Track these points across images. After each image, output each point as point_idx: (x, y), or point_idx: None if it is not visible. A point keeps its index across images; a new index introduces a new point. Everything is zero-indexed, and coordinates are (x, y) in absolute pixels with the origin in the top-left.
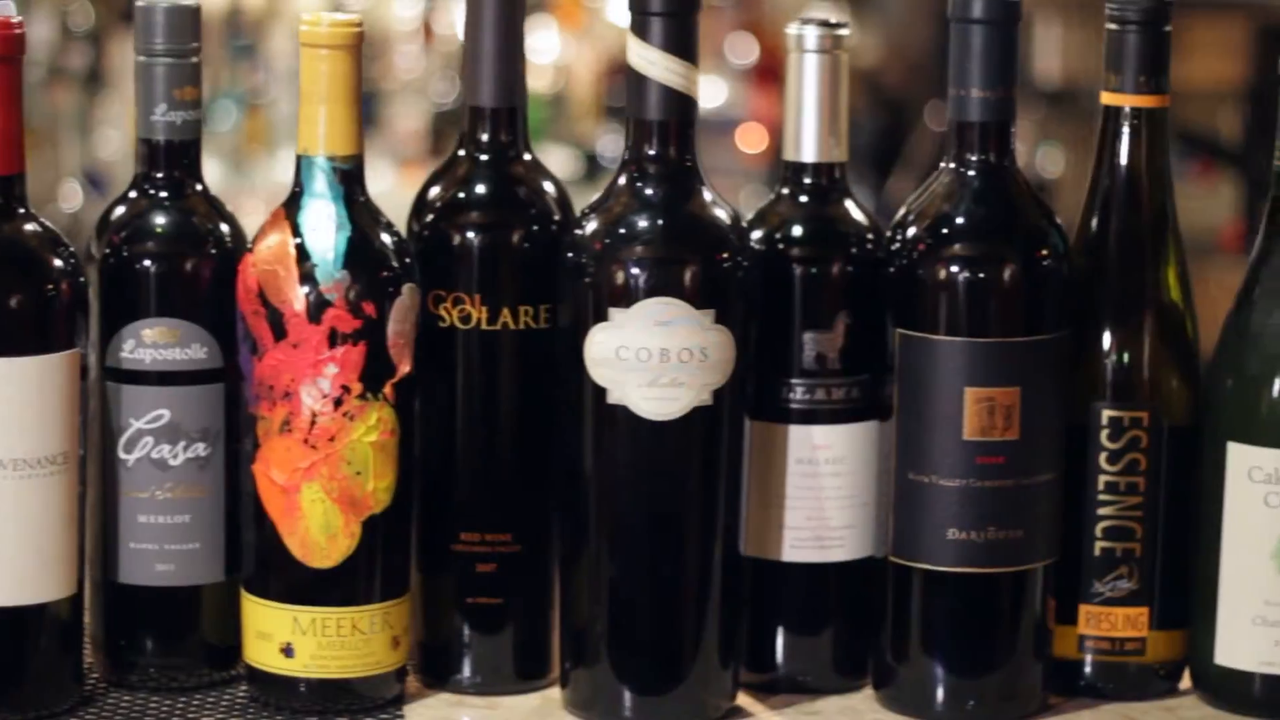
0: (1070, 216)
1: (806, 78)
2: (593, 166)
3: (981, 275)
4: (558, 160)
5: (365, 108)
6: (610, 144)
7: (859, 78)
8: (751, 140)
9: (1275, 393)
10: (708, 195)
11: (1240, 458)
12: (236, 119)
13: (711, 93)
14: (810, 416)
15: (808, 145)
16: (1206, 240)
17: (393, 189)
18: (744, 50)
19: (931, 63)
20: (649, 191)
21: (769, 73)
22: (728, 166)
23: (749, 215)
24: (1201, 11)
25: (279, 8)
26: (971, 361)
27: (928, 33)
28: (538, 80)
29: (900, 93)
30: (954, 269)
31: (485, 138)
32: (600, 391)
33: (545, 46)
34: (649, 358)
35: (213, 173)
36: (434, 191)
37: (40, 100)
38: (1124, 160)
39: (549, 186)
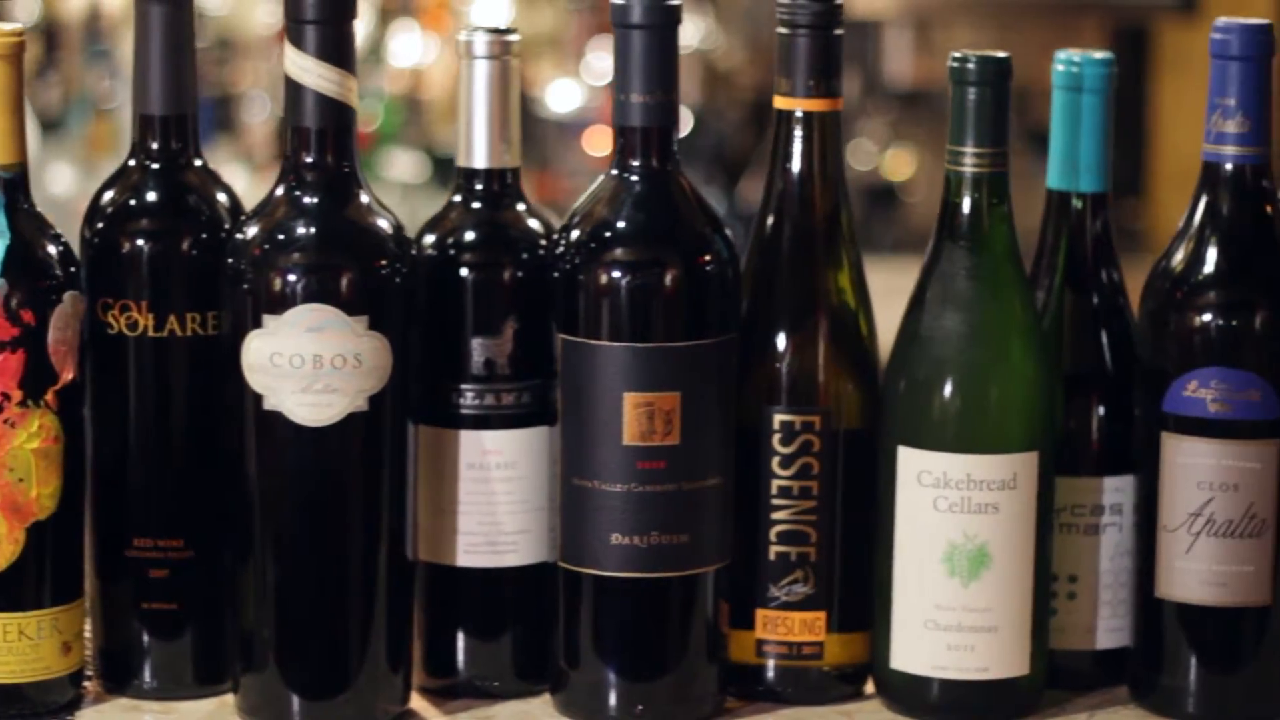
0: (917, 217)
1: (476, 84)
2: (445, 170)
3: (639, 280)
4: (408, 165)
5: (221, 111)
6: None
7: (719, 79)
8: (597, 143)
9: (944, 397)
10: (366, 202)
11: (910, 461)
12: (88, 124)
13: (566, 96)
14: (481, 422)
15: (479, 151)
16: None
17: (245, 192)
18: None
19: None
20: (306, 199)
21: None
22: (575, 168)
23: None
24: (1055, 12)
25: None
26: (629, 366)
27: None
28: (394, 84)
29: (760, 94)
30: (612, 274)
31: (156, 145)
32: (258, 398)
33: (404, 49)
34: (302, 364)
35: (64, 179)
36: (105, 198)
37: None
38: (796, 164)
39: (220, 194)
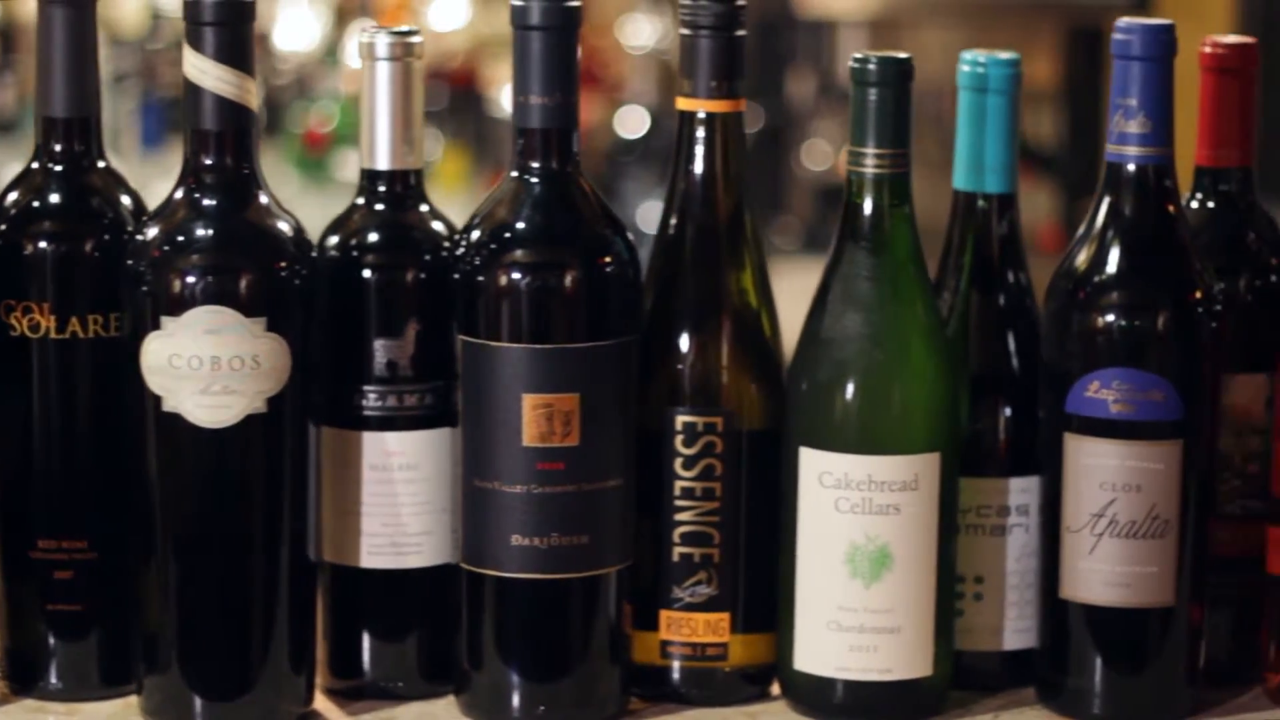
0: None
1: (378, 86)
2: None
3: (536, 281)
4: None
5: (174, 112)
6: (429, 150)
7: (667, 78)
8: None
9: (845, 398)
10: (266, 204)
11: (812, 462)
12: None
13: None
14: (384, 423)
15: (382, 153)
16: (1025, 242)
17: None
18: None
19: (749, 65)
20: (205, 201)
21: (588, 76)
22: None
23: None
24: (1012, 12)
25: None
26: (528, 368)
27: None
28: (351, 84)
29: None
30: (511, 275)
31: (59, 148)
32: (157, 399)
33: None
34: (200, 366)
35: None
36: (8, 201)
37: None
38: (699, 165)
39: (124, 197)
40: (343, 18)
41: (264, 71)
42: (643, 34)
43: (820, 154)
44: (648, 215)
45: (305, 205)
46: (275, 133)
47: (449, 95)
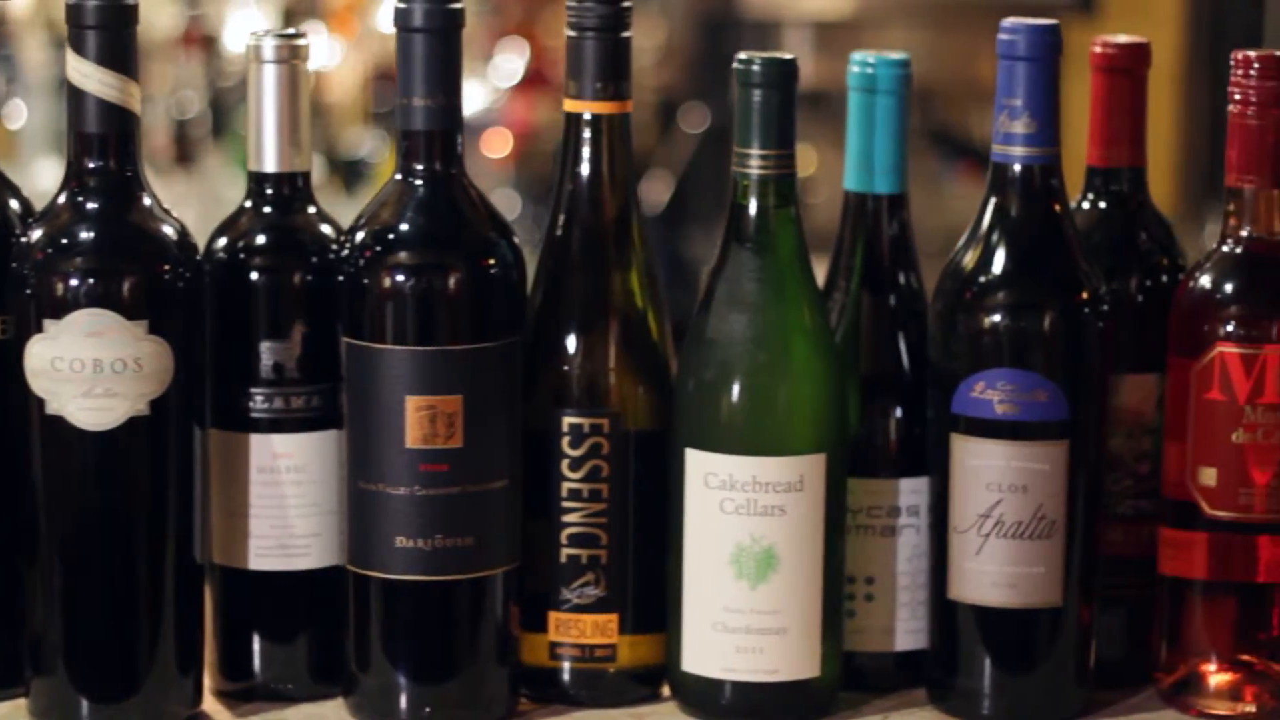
0: (819, 217)
1: (265, 88)
2: (350, 174)
3: (418, 283)
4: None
5: None
6: (374, 151)
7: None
8: (495, 145)
9: (729, 399)
10: (149, 206)
11: (698, 464)
12: None
13: (469, 99)
14: (271, 425)
15: (269, 155)
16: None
17: None
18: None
19: (698, 65)
20: (89, 204)
21: (539, 78)
22: (476, 170)
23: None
24: (954, 13)
25: (41, 17)
26: (410, 370)
27: (698, 35)
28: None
29: (667, 95)
30: (394, 277)
31: None
32: (41, 402)
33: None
34: (83, 369)
35: None
36: None
37: None
38: (586, 167)
39: (11, 200)
40: (291, 20)
41: (211, 74)
42: None
43: None
44: None
45: None
46: (222, 135)
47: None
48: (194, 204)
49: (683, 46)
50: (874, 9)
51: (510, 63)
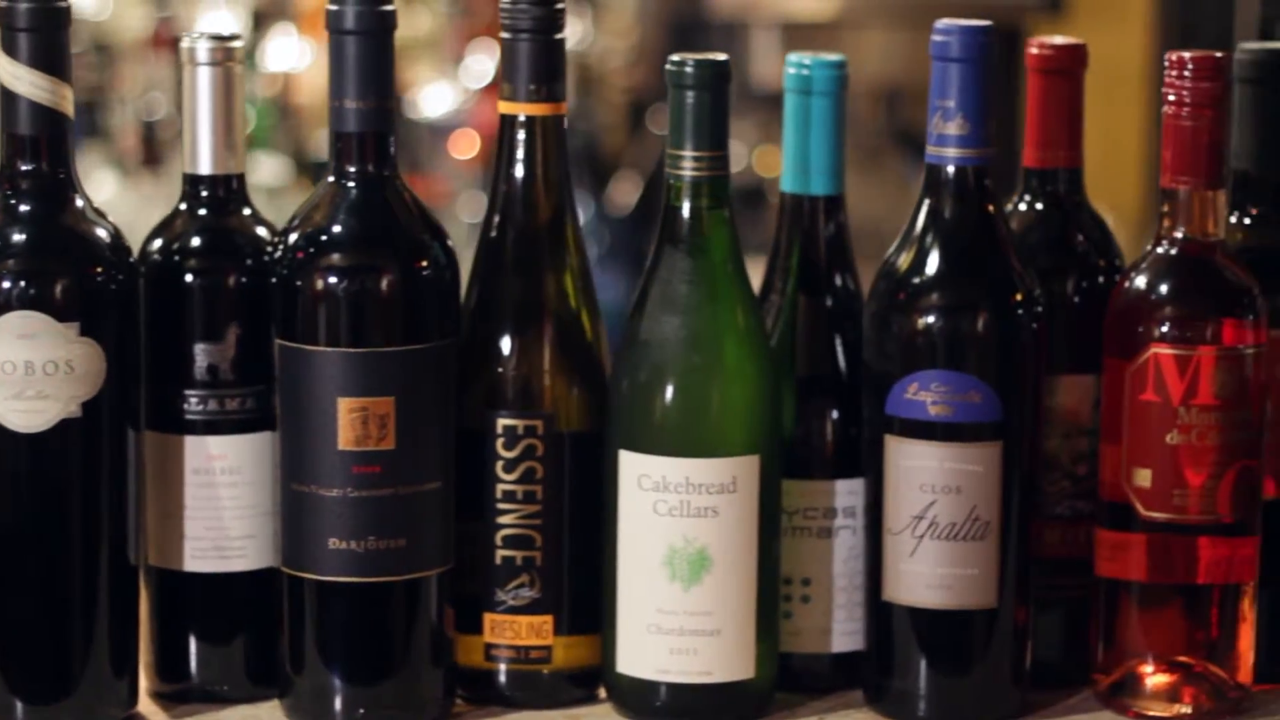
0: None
1: (200, 90)
2: (319, 175)
3: (350, 285)
4: (273, 169)
5: (91, 116)
6: None
7: (595, 80)
8: (463, 146)
9: (662, 401)
10: (81, 208)
11: (631, 465)
12: None
13: (440, 99)
14: (206, 427)
15: (204, 157)
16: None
17: (114, 197)
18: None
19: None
20: (21, 206)
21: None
22: (447, 172)
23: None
24: (923, 12)
25: None
26: (342, 371)
27: (667, 36)
28: (268, 88)
29: (638, 95)
30: (326, 279)
31: None
32: None
33: (278, 53)
34: (14, 370)
35: None
36: None
37: None
38: (520, 168)
39: None
40: (261, 22)
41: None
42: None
43: (734, 155)
44: None
45: None
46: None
47: None
48: (161, 205)
49: (653, 48)
50: (846, 10)
51: (480, 64)
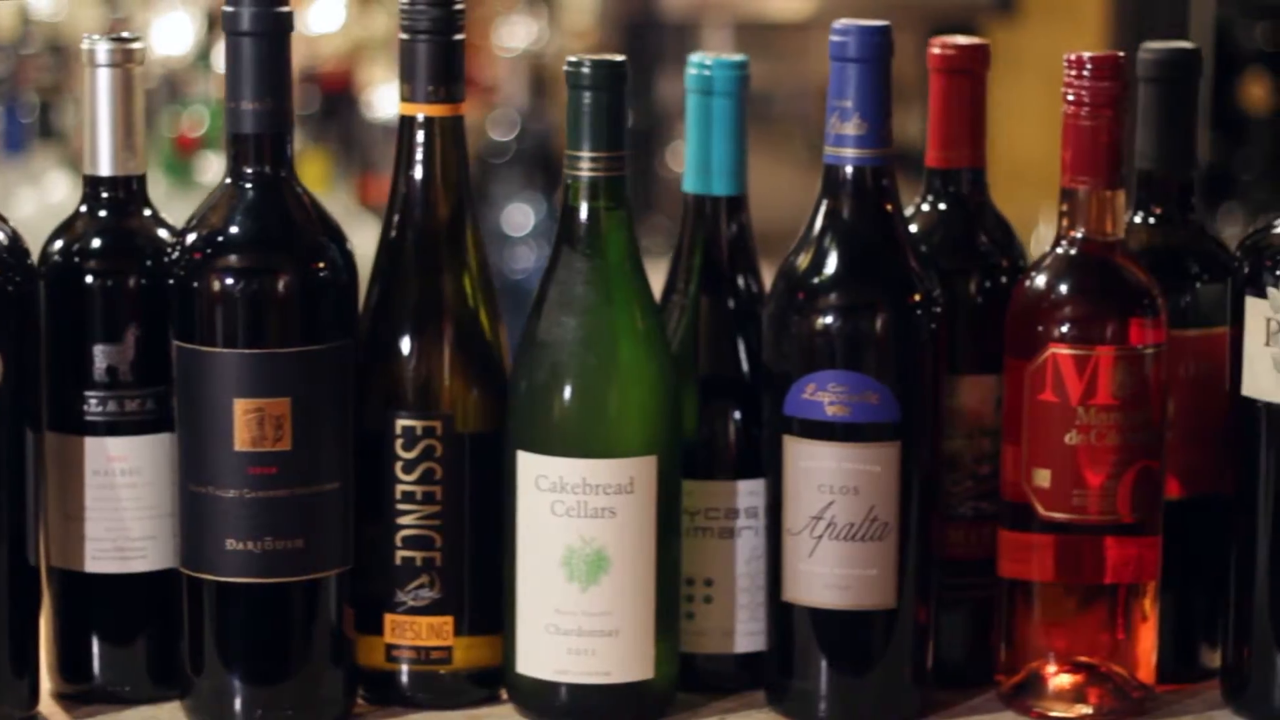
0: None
1: (99, 92)
2: None
3: (245, 286)
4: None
5: (46, 116)
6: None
7: (549, 81)
8: None
9: (560, 401)
10: None
11: (529, 466)
12: None
13: (391, 100)
14: (106, 428)
15: (104, 159)
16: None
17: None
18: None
19: None
20: None
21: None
22: None
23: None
24: (874, 12)
25: None
26: (238, 372)
27: (620, 36)
28: (220, 89)
29: None
30: (222, 280)
31: None
32: None
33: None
34: None
35: None
36: None
37: None
38: (419, 170)
39: None
40: (216, 23)
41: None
42: (517, 36)
43: (677, 155)
44: (511, 218)
45: (174, 208)
46: (145, 136)
47: (321, 99)
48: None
49: (607, 49)
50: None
51: None
